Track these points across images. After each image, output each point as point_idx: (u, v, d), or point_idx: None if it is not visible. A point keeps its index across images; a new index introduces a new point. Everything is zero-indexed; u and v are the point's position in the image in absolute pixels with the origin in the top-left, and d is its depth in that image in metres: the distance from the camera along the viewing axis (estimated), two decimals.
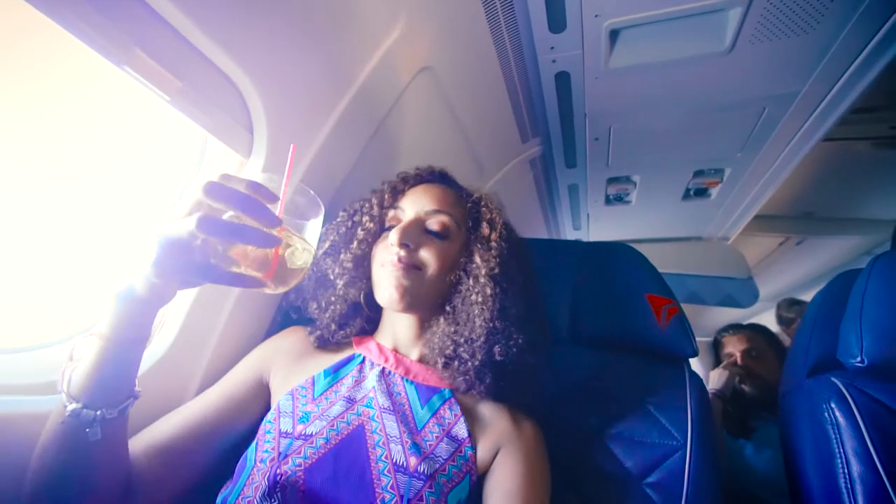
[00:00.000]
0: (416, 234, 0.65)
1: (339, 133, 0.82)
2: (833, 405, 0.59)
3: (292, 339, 0.73)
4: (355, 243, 0.69)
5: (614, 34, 0.98)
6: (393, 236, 0.63)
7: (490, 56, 1.04)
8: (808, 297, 2.59)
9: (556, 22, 0.94)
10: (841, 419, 0.57)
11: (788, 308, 2.15)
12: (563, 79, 1.12)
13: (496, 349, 0.61)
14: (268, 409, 0.64)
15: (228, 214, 0.42)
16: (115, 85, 0.63)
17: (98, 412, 0.43)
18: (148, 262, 0.41)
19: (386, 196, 0.72)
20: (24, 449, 0.46)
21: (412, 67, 0.93)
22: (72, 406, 0.42)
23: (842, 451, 0.55)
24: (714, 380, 1.41)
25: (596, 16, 0.92)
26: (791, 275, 2.81)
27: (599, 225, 2.02)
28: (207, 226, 0.39)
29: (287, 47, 0.69)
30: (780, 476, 1.19)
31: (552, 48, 1.02)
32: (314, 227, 0.49)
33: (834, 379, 0.61)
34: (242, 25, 0.62)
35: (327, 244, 0.71)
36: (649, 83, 1.13)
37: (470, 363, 0.62)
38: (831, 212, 2.19)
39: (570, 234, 2.14)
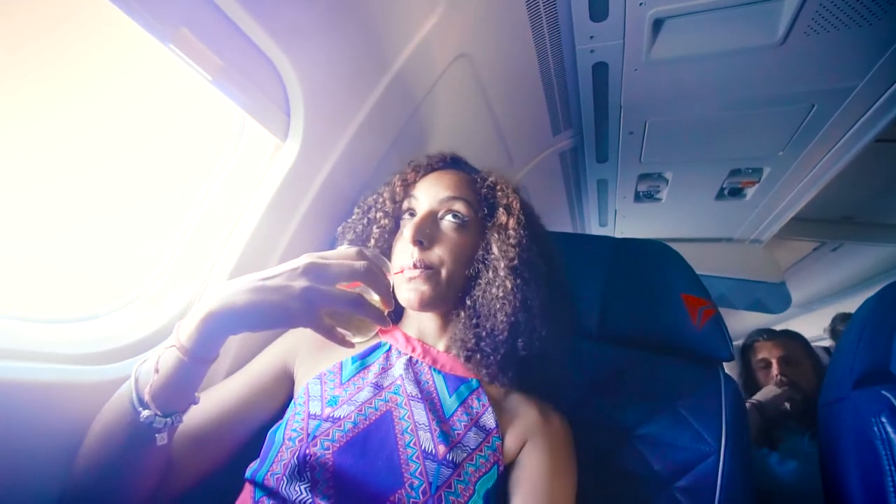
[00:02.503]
0: (430, 228, 0.64)
1: (374, 119, 0.81)
2: (883, 419, 0.55)
3: None
4: (372, 241, 0.68)
5: (658, 23, 0.94)
6: (407, 233, 0.63)
7: (527, 45, 1.01)
8: (842, 306, 2.50)
9: (598, 10, 0.91)
10: (892, 434, 0.54)
11: (842, 322, 2.05)
12: (600, 70, 1.09)
13: (519, 343, 0.60)
14: (290, 398, 0.65)
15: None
16: (158, 70, 0.64)
17: (169, 419, 0.46)
18: (247, 305, 0.45)
19: (398, 189, 0.70)
20: (74, 415, 0.50)
21: (448, 54, 0.91)
22: (146, 413, 0.45)
23: (892, 468, 0.53)
24: (763, 392, 1.32)
25: (640, 4, 0.88)
26: (824, 281, 2.70)
27: (627, 222, 1.97)
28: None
29: (326, 30, 0.68)
30: (803, 489, 1.16)
31: (592, 37, 0.98)
32: None
33: (885, 392, 0.58)
34: (284, 6, 0.61)
35: (346, 243, 0.70)
36: (691, 76, 1.08)
37: (492, 357, 0.61)
38: (872, 217, 2.08)
39: (595, 231, 2.10)
